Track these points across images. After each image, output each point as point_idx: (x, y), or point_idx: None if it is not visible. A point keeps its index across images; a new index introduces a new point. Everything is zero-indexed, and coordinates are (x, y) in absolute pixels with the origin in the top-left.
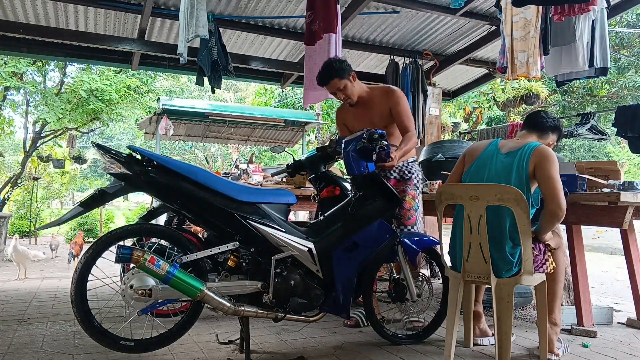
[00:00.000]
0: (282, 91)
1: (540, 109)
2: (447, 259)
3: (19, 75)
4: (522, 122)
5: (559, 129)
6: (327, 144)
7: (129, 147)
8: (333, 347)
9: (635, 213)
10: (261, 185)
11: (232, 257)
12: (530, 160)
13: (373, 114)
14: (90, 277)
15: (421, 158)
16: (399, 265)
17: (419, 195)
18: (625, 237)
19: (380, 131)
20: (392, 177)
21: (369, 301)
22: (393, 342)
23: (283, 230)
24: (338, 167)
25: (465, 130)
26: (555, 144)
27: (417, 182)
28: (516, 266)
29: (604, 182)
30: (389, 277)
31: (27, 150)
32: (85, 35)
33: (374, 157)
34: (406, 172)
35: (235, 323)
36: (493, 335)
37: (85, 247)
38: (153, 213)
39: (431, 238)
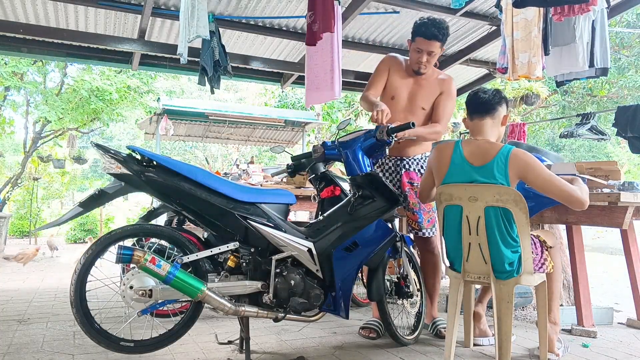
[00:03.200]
0: (282, 91)
1: (477, 90)
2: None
3: (20, 75)
4: (521, 122)
5: (503, 98)
6: (312, 150)
7: (128, 147)
8: (333, 347)
9: (635, 213)
10: (261, 185)
11: (232, 257)
12: (510, 171)
13: (421, 92)
14: (89, 278)
15: None
16: (400, 262)
17: None
18: (625, 237)
19: (391, 126)
20: (411, 169)
21: (382, 302)
22: (403, 344)
23: (283, 230)
24: (338, 167)
25: (466, 130)
26: (507, 113)
27: None
28: (516, 266)
29: (604, 182)
30: (396, 276)
31: (27, 150)
32: (85, 35)
33: (387, 151)
34: (424, 166)
35: (235, 323)
36: (493, 335)
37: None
38: (153, 213)
39: None
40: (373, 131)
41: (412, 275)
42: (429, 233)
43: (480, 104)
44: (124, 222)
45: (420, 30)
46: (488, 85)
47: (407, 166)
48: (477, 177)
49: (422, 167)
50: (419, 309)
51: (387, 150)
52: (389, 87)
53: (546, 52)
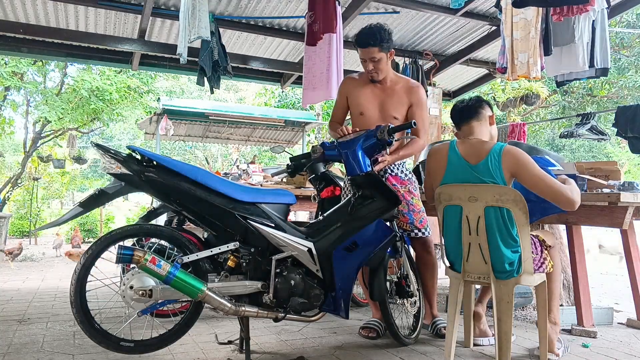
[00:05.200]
0: (282, 91)
1: (456, 103)
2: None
3: (20, 75)
4: (521, 122)
5: (483, 102)
6: (310, 150)
7: (128, 147)
8: (333, 347)
9: (635, 213)
10: (261, 185)
11: (232, 257)
12: (503, 168)
13: (390, 101)
14: (89, 278)
15: (421, 158)
16: (400, 262)
17: (419, 196)
18: (625, 237)
19: (392, 125)
20: (393, 173)
21: (384, 302)
22: (404, 344)
23: (283, 230)
24: (338, 167)
25: None
26: (492, 114)
27: (416, 183)
28: (516, 266)
29: (604, 182)
30: (396, 275)
31: (27, 150)
32: (85, 35)
33: (388, 150)
34: (405, 171)
35: (235, 323)
36: (493, 335)
37: (84, 246)
38: (153, 213)
39: None
40: (374, 131)
41: (412, 274)
42: (422, 233)
43: (461, 112)
44: (124, 222)
45: (356, 40)
46: (487, 86)
47: (389, 171)
48: (475, 175)
49: (402, 170)
50: (417, 309)
51: (387, 150)
52: (354, 105)
53: (547, 52)
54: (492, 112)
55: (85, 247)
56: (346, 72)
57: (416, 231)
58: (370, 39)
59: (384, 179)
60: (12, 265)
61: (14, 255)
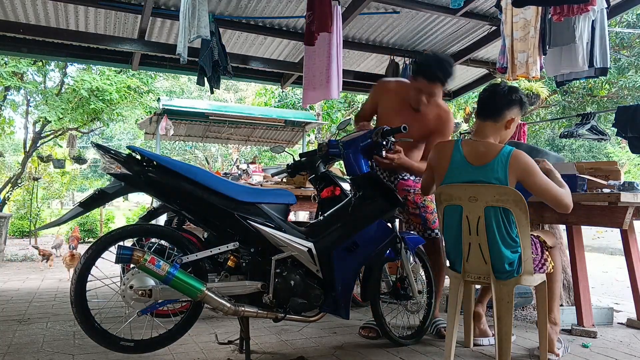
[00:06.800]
0: (282, 91)
1: (490, 88)
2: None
3: (20, 75)
4: (521, 122)
5: (514, 101)
6: (318, 147)
7: (128, 147)
8: (333, 347)
9: (635, 213)
10: (261, 185)
11: (232, 257)
12: (509, 172)
13: (417, 127)
14: (89, 278)
15: None
16: (401, 264)
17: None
18: (625, 237)
19: (387, 128)
20: (405, 178)
21: (376, 302)
22: (398, 344)
23: (283, 230)
24: (338, 167)
25: (466, 130)
26: (514, 117)
27: None
28: (516, 267)
29: (604, 182)
30: (395, 277)
31: (27, 150)
32: (85, 36)
33: (384, 153)
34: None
35: (235, 323)
36: (493, 335)
37: (81, 245)
38: (153, 213)
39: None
40: (370, 132)
41: (422, 275)
42: (435, 234)
43: (485, 105)
44: (124, 222)
45: (421, 70)
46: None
47: (400, 177)
48: (477, 177)
49: (414, 176)
50: (425, 312)
51: (383, 152)
52: (382, 117)
53: (544, 52)
54: (521, 111)
55: (80, 247)
56: (346, 72)
57: (429, 232)
58: (442, 76)
59: (394, 185)
60: (50, 264)
61: (48, 256)
